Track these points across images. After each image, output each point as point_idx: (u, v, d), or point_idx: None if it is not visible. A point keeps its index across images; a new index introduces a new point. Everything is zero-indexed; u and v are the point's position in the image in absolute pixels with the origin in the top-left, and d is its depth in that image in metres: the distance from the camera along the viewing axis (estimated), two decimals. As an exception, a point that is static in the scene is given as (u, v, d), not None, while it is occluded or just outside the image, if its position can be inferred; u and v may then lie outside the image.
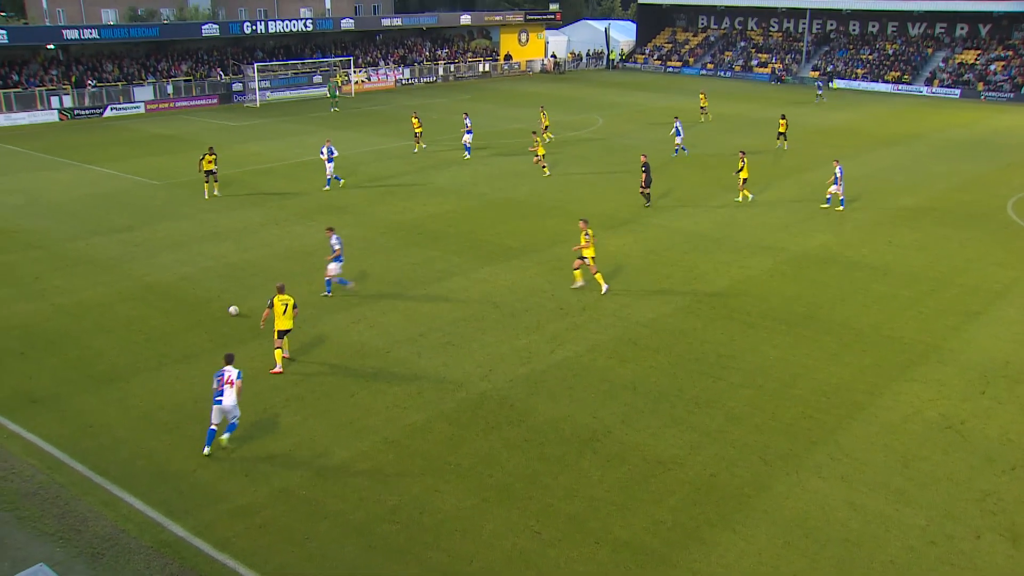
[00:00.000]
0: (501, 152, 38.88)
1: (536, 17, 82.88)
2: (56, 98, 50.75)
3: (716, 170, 35.89)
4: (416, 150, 38.75)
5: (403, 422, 14.94)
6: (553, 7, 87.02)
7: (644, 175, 28.63)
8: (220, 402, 13.74)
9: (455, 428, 14.77)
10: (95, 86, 52.77)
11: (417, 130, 39.17)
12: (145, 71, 56.70)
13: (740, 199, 30.09)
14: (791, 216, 28.63)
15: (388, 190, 31.55)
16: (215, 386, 13.75)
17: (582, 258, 20.74)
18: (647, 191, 28.89)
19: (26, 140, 43.03)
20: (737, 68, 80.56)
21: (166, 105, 54.70)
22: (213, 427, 13.84)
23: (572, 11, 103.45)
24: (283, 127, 47.19)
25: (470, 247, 24.67)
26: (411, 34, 76.59)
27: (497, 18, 79.57)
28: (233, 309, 19.51)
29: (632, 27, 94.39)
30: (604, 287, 20.82)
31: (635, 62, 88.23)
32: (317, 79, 62.24)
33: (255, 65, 57.83)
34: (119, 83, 54.13)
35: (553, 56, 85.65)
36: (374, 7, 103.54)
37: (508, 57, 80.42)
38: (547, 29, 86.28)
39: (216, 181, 30.99)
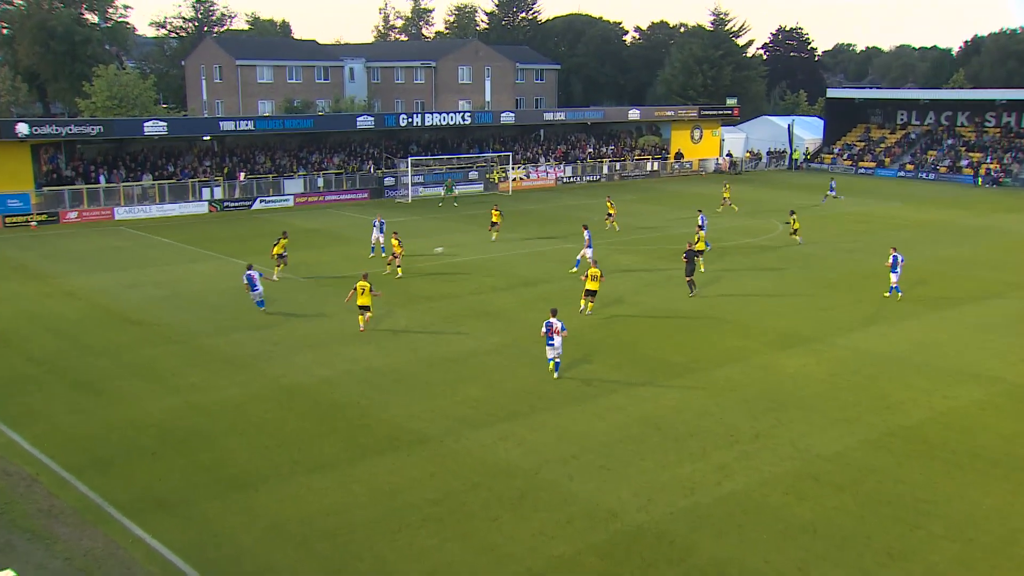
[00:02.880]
0: (665, 257, 39.38)
1: (711, 113, 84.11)
2: (207, 189, 55.77)
3: (917, 283, 34.95)
4: (579, 260, 38.57)
5: (549, 553, 15.07)
6: (730, 102, 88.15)
7: (686, 262, 32.33)
8: None
9: (607, 564, 14.75)
10: (246, 178, 57.96)
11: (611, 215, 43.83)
12: (297, 163, 61.56)
13: None
14: (1011, 340, 27.31)
15: (542, 295, 32.56)
16: None
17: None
18: (690, 279, 32.31)
19: (175, 231, 47.41)
20: (943, 169, 77.98)
21: (315, 198, 58.80)
22: None
23: (751, 106, 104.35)
24: (434, 224, 49.65)
25: (630, 361, 24.94)
26: (575, 130, 79.46)
27: (668, 113, 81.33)
28: (439, 249, 27.22)
29: (819, 124, 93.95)
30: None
31: (821, 162, 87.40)
32: (473, 175, 65.48)
33: (409, 159, 61.34)
34: (270, 175, 59.07)
35: (729, 155, 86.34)
36: (536, 100, 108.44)
37: (679, 155, 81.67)
38: (723, 126, 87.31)
39: (285, 265, 34.83)
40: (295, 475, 17.86)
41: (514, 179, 67.46)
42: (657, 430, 20.08)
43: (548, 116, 73.91)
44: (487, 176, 66.21)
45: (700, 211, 43.51)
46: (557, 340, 23.35)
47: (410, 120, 63.78)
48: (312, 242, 44.10)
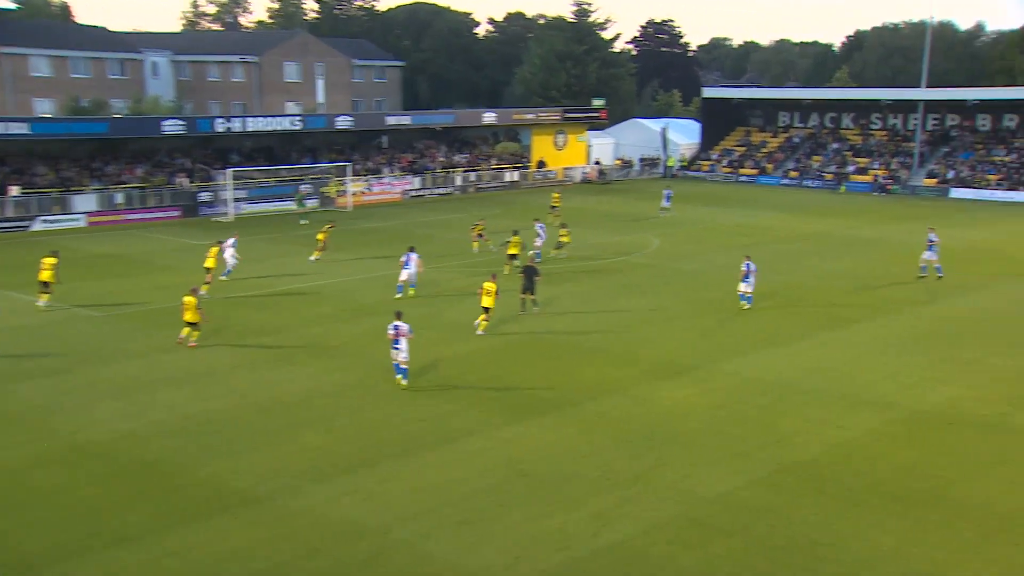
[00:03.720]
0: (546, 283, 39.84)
1: (576, 115, 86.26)
2: (-39, 208, 53.09)
3: (803, 303, 36.67)
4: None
5: (402, 625, 14.95)
6: (597, 103, 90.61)
7: (523, 277, 33.82)
8: None
9: (469, 634, 14.74)
10: (21, 193, 55.02)
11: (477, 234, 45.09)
12: (90, 175, 59.37)
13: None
14: (905, 361, 28.92)
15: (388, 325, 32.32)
16: None
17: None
18: (530, 297, 33.86)
19: (-62, 260, 44.92)
20: (828, 176, 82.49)
21: (114, 218, 56.91)
22: None
23: (620, 108, 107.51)
24: (262, 247, 48.83)
25: (492, 397, 25.09)
26: (423, 136, 79.82)
27: (528, 116, 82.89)
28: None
29: (695, 127, 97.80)
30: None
31: (699, 170, 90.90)
32: (306, 188, 64.76)
33: (228, 171, 60.18)
34: (53, 190, 56.62)
35: (597, 163, 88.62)
36: (377, 102, 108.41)
37: (541, 164, 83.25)
38: (590, 130, 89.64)
39: (49, 294, 34.57)
40: (90, 552, 17.05)
41: (354, 193, 67.11)
42: (524, 476, 20.22)
43: (391, 120, 74.21)
44: (323, 190, 65.61)
45: (536, 220, 45.01)
46: (403, 344, 25.52)
47: (229, 125, 62.76)
48: (112, 269, 42.63)
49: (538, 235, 44.07)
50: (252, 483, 19.79)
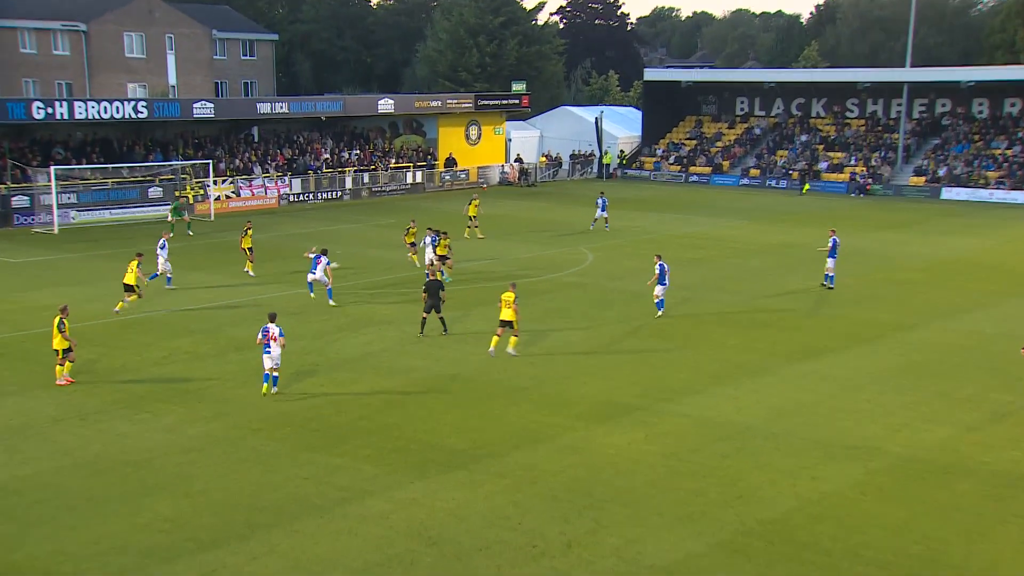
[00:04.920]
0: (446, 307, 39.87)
1: (492, 102, 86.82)
2: None
3: (767, 328, 37.27)
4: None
5: None
6: (517, 87, 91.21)
7: (426, 296, 34.94)
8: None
9: None
10: None
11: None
12: None
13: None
14: (889, 399, 29.44)
15: (287, 362, 31.89)
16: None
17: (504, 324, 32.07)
18: (435, 316, 35.20)
19: None
20: (796, 175, 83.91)
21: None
22: None
23: (547, 94, 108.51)
24: (97, 266, 48.04)
25: (393, 450, 24.94)
26: (303, 127, 79.56)
27: (434, 104, 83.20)
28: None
29: (636, 116, 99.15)
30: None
31: (641, 168, 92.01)
32: (155, 192, 63.91)
33: (52, 169, 59.20)
34: None
35: (518, 160, 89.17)
36: (246, 85, 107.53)
37: (451, 162, 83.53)
38: (509, 121, 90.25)
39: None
40: None
41: (217, 198, 66.49)
42: (433, 546, 20.12)
43: (263, 108, 73.91)
44: (177, 193, 64.88)
45: (431, 230, 45.29)
46: (275, 349, 28.31)
47: (50, 110, 61.48)
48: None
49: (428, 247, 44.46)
50: (82, 567, 19.32)
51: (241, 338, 35.21)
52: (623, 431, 26.44)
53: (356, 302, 40.78)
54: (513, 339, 33.00)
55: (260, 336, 28.54)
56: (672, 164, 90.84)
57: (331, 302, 39.90)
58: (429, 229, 45.10)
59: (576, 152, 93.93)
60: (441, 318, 35.30)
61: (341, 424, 26.85)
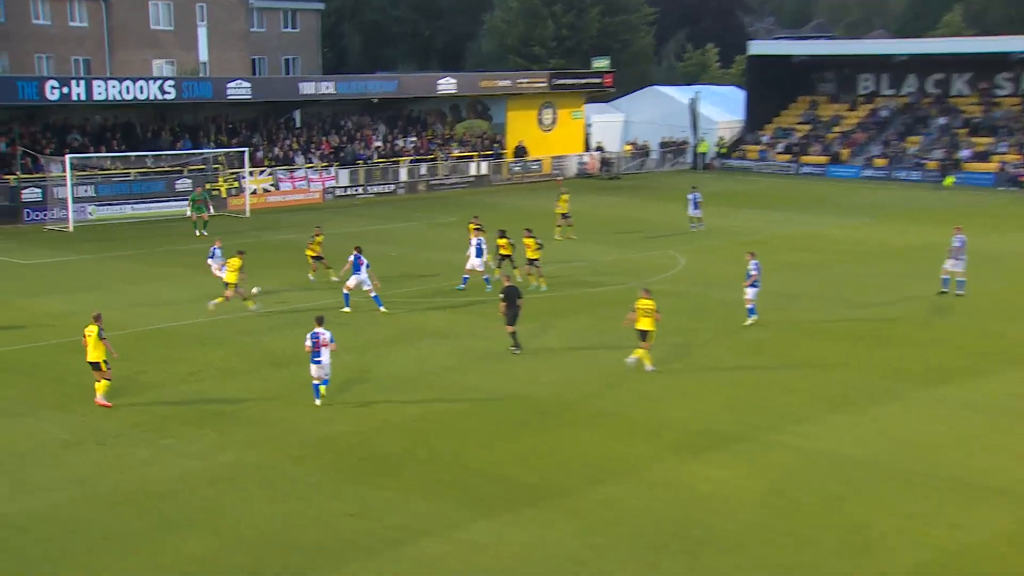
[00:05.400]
0: (525, 317, 39.73)
1: (570, 82, 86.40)
2: None
3: (893, 345, 36.80)
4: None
5: None
6: (599, 64, 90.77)
7: (505, 306, 34.85)
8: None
9: None
10: None
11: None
12: None
13: None
14: (1040, 428, 28.95)
15: (305, 381, 31.90)
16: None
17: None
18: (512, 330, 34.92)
19: None
20: (932, 165, 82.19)
21: None
22: None
23: (633, 72, 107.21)
24: (116, 269, 48.71)
25: (452, 483, 24.92)
26: (352, 110, 79.89)
27: (502, 83, 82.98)
28: (256, 290, 40.15)
29: (738, 97, 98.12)
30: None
31: (743, 158, 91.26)
32: (183, 184, 64.47)
33: (67, 158, 59.96)
34: None
35: (599, 149, 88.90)
36: (287, 62, 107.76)
37: (521, 150, 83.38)
38: (589, 103, 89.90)
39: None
40: None
41: (254, 191, 66.98)
42: (499, 596, 20.07)
43: (307, 88, 74.28)
44: (208, 186, 65.55)
45: (479, 229, 45.99)
46: (325, 356, 29.40)
47: (66, 91, 62.33)
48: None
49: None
50: (102, 611, 19.50)
51: (278, 351, 35.46)
52: (721, 464, 26.17)
53: (410, 311, 40.89)
54: (643, 352, 33.04)
55: (309, 342, 29.32)
56: (781, 153, 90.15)
57: (381, 309, 40.14)
58: (477, 230, 45.53)
59: (667, 139, 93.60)
60: (512, 333, 35.25)
61: (392, 452, 26.84)
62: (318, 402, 29.64)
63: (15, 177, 61.52)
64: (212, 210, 59.44)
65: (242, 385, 32.23)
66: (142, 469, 25.74)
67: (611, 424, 28.91)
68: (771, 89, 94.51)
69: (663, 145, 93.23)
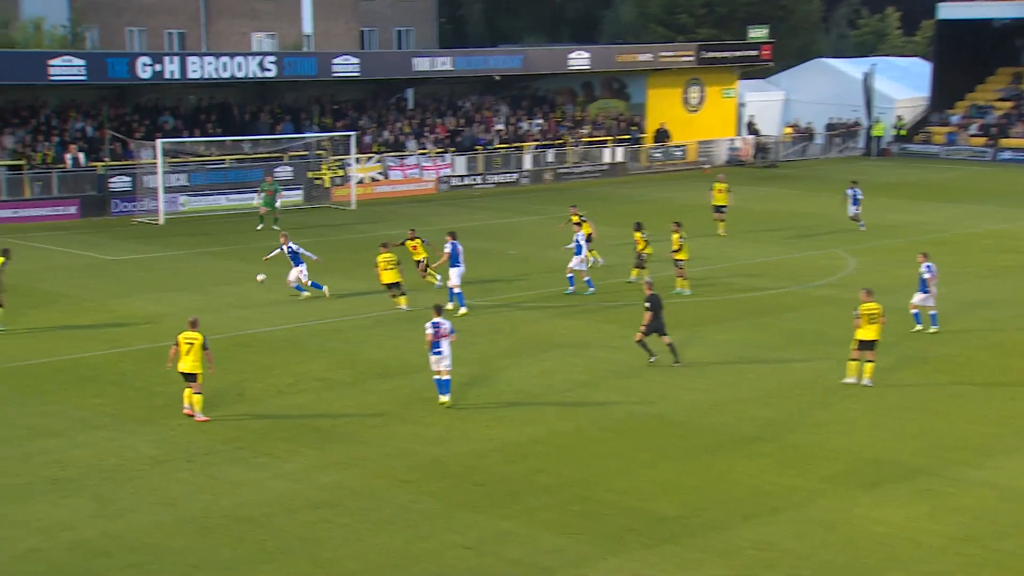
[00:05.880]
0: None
1: (721, 55, 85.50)
2: None
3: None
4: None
5: None
6: (756, 33, 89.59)
7: (650, 313, 34.66)
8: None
9: None
10: None
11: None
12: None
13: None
14: None
15: (413, 392, 32.84)
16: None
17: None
18: (646, 336, 34.95)
19: None
20: None
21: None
22: None
23: (796, 41, 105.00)
24: (209, 267, 49.66)
25: (581, 514, 24.90)
26: (471, 89, 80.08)
27: (642, 58, 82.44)
28: (261, 277, 42.64)
29: (922, 70, 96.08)
30: None
31: (927, 142, 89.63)
32: (284, 173, 65.05)
33: (158, 143, 60.84)
34: None
35: (753, 132, 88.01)
36: (400, 34, 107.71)
37: (662, 134, 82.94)
38: (743, 79, 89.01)
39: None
40: None
41: (360, 181, 67.43)
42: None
43: (421, 64, 74.46)
44: (311, 175, 66.30)
45: (579, 219, 46.56)
46: (446, 347, 30.62)
47: (158, 68, 63.41)
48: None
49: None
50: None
51: (386, 361, 35.82)
52: (898, 502, 25.77)
53: (536, 319, 41.01)
54: (870, 366, 33.04)
55: (430, 331, 30.60)
56: (975, 136, 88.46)
57: (462, 309, 40.93)
58: (578, 224, 45.74)
59: (835, 120, 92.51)
60: (671, 346, 35.22)
61: (512, 477, 26.90)
62: (446, 399, 30.99)
63: (103, 164, 62.71)
64: (276, 206, 59.41)
65: (345, 398, 32.55)
66: (235, 491, 26.10)
67: (765, 451, 28.71)
68: (964, 60, 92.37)
69: (830, 128, 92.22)
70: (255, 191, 61.39)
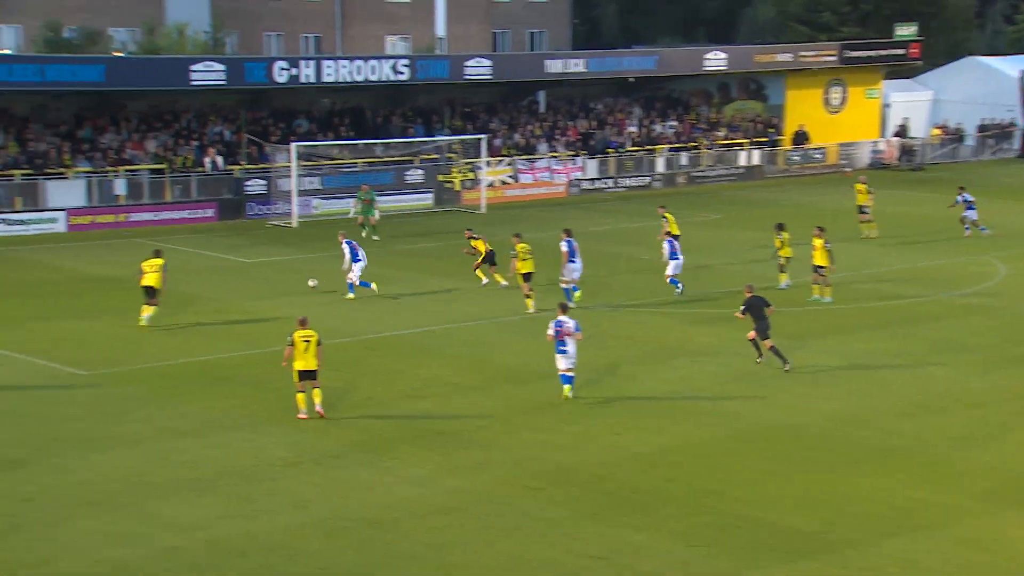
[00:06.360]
0: (796, 334, 39.59)
1: (865, 54, 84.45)
2: None
3: None
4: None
5: None
6: (903, 32, 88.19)
7: (755, 320, 34.97)
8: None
9: None
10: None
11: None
12: (73, 150, 61.48)
13: None
14: None
15: (545, 399, 32.75)
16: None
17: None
18: (761, 340, 35.11)
19: None
20: None
21: (110, 218, 59.21)
22: None
23: (945, 40, 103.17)
24: (341, 269, 49.51)
25: (713, 526, 24.66)
26: (604, 91, 79.90)
27: (782, 58, 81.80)
28: (312, 282, 44.03)
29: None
30: None
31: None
32: (415, 176, 65.33)
33: (292, 146, 61.47)
34: (15, 173, 58.68)
35: (899, 134, 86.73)
36: (532, 36, 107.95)
37: (801, 136, 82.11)
38: (888, 79, 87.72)
39: (155, 305, 39.91)
40: None
41: (491, 184, 67.47)
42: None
43: (554, 66, 74.47)
44: (441, 178, 66.40)
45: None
46: (571, 345, 31.52)
47: (294, 72, 64.10)
48: (105, 301, 44.30)
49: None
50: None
51: (515, 366, 35.83)
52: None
53: (668, 326, 40.64)
54: None
55: (552, 331, 31.59)
56: None
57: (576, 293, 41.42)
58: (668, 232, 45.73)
59: (987, 121, 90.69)
60: (773, 347, 35.06)
61: (643, 486, 26.67)
62: (568, 392, 31.72)
63: (240, 167, 63.39)
64: (378, 215, 58.45)
65: (472, 403, 32.60)
66: (362, 494, 26.21)
67: (906, 465, 28.17)
68: None
69: (982, 128, 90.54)
70: (387, 194, 61.69)
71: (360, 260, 44.00)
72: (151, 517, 24.95)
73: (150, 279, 40.22)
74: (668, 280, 44.53)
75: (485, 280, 45.86)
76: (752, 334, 35.24)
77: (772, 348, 34.93)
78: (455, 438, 29.75)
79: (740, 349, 36.72)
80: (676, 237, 46.03)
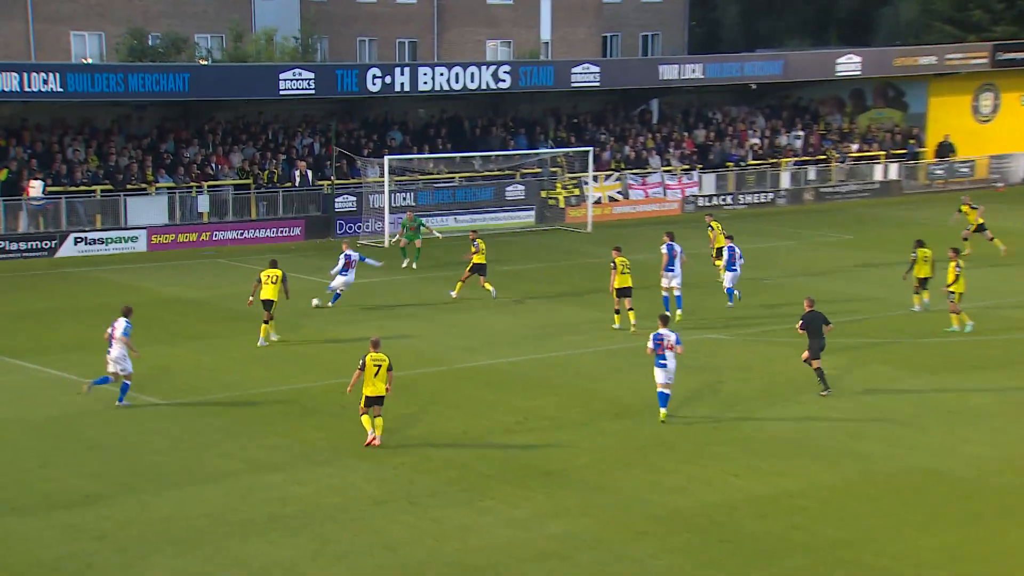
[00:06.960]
0: (933, 368, 39.24)
1: (1019, 56, 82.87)
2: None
3: None
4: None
5: None
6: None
7: (810, 337, 35.33)
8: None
9: None
10: (43, 197, 57.32)
11: None
12: (156, 164, 61.97)
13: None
14: None
15: (653, 437, 32.50)
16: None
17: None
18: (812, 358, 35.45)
19: None
20: None
21: (192, 236, 59.72)
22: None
23: None
24: (435, 292, 50.16)
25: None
26: (723, 99, 79.55)
27: (924, 61, 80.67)
28: (316, 301, 45.51)
29: None
30: None
31: None
32: (515, 192, 65.23)
33: (385, 159, 61.78)
34: (95, 189, 59.32)
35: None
36: (646, 39, 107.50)
37: (946, 148, 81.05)
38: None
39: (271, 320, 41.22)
40: None
41: (599, 200, 67.30)
42: None
43: (668, 72, 74.02)
44: (544, 194, 66.30)
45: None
46: (671, 360, 32.57)
47: (388, 80, 64.32)
48: (188, 326, 44.86)
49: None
50: None
51: (622, 399, 35.74)
52: None
53: (791, 355, 39.88)
54: None
55: (651, 345, 32.78)
56: None
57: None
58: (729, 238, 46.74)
59: None
60: (818, 369, 35.43)
61: (764, 533, 26.41)
62: (663, 412, 32.65)
63: (330, 183, 63.59)
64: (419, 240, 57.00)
65: (577, 439, 32.39)
66: (459, 536, 26.09)
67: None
68: None
69: None
70: (486, 211, 61.80)
71: (345, 275, 45.76)
72: (232, 558, 25.08)
73: (268, 291, 41.15)
74: (725, 291, 45.95)
75: (455, 294, 47.54)
76: (806, 354, 35.40)
77: (818, 370, 35.31)
78: (558, 477, 29.61)
79: (873, 384, 36.34)
80: (720, 250, 47.59)
